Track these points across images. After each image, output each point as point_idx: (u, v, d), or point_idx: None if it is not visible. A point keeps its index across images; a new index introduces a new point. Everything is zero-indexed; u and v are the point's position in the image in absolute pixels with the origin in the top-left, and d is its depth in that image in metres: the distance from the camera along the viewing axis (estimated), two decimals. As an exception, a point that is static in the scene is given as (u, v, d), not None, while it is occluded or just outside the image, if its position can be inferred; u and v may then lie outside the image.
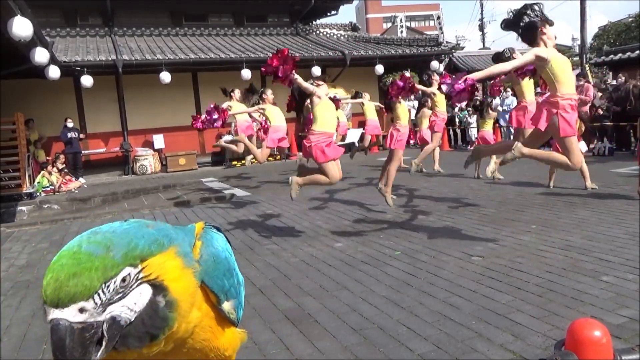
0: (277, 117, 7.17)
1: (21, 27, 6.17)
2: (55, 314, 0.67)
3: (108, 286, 0.69)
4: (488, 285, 3.28)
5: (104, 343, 0.71)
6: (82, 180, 10.63)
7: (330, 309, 3.08)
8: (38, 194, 8.70)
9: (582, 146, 10.51)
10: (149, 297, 0.73)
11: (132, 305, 0.72)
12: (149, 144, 13.02)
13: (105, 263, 0.69)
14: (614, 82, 12.94)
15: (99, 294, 0.69)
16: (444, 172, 8.85)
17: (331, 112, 4.82)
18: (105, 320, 0.70)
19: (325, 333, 2.75)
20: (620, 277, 3.23)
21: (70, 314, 0.67)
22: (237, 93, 8.21)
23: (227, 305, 0.92)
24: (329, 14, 17.20)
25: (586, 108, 11.09)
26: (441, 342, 2.53)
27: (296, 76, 4.56)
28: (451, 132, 14.66)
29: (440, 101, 7.68)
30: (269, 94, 7.22)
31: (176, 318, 0.76)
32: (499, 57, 5.16)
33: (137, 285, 0.73)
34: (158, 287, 0.74)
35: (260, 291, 3.51)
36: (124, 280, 0.71)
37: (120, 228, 0.77)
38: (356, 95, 9.13)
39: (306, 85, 4.71)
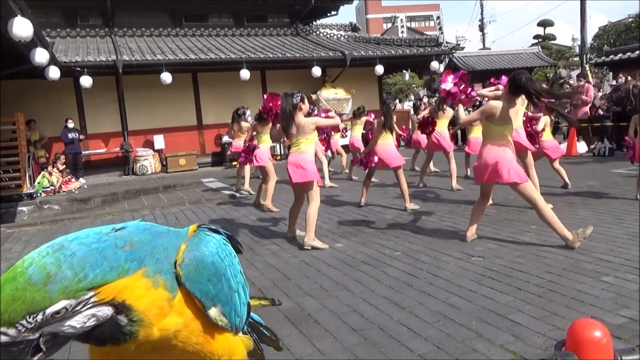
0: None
1: (21, 27, 6.16)
2: None
3: (35, 317, 0.71)
4: (488, 286, 3.28)
5: (42, 351, 0.74)
6: (82, 180, 10.62)
7: (330, 309, 3.08)
8: (38, 194, 8.70)
9: (582, 146, 10.58)
10: (110, 314, 0.76)
11: (79, 325, 0.75)
12: (149, 144, 13.02)
13: (35, 296, 0.70)
14: (614, 82, 12.95)
15: (21, 324, 0.70)
16: (440, 172, 8.88)
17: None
18: (42, 335, 0.73)
19: (326, 333, 2.75)
20: (620, 277, 3.23)
21: None
22: (247, 114, 8.31)
23: (214, 312, 0.91)
24: (329, 14, 17.19)
25: (586, 108, 11.11)
26: (441, 342, 2.53)
27: None
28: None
29: (441, 122, 7.42)
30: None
31: (139, 330, 0.79)
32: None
33: (88, 309, 0.75)
34: (119, 307, 0.77)
35: (260, 291, 3.51)
36: (57, 312, 0.72)
37: (87, 247, 0.77)
38: (360, 111, 9.44)
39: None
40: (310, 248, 4.54)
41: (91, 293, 0.74)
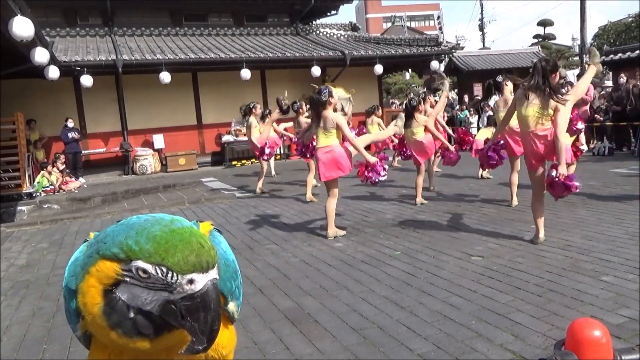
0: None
1: (22, 27, 6.15)
2: (204, 277, 0.78)
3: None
4: (488, 285, 3.28)
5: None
6: (82, 180, 10.61)
7: (330, 309, 3.08)
8: (38, 194, 8.70)
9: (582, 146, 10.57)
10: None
11: None
12: (149, 144, 13.01)
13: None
14: (609, 83, 12.96)
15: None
16: (441, 171, 8.87)
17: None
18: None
19: (325, 333, 2.75)
20: (620, 277, 3.23)
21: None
22: (258, 108, 8.27)
23: (231, 306, 0.98)
24: (329, 13, 17.18)
25: (586, 107, 11.10)
26: (441, 342, 2.53)
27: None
28: (451, 132, 14.64)
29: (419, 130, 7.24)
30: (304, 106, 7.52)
31: None
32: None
33: None
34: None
35: (260, 291, 3.52)
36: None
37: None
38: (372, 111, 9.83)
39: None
40: (334, 238, 4.82)
41: None
